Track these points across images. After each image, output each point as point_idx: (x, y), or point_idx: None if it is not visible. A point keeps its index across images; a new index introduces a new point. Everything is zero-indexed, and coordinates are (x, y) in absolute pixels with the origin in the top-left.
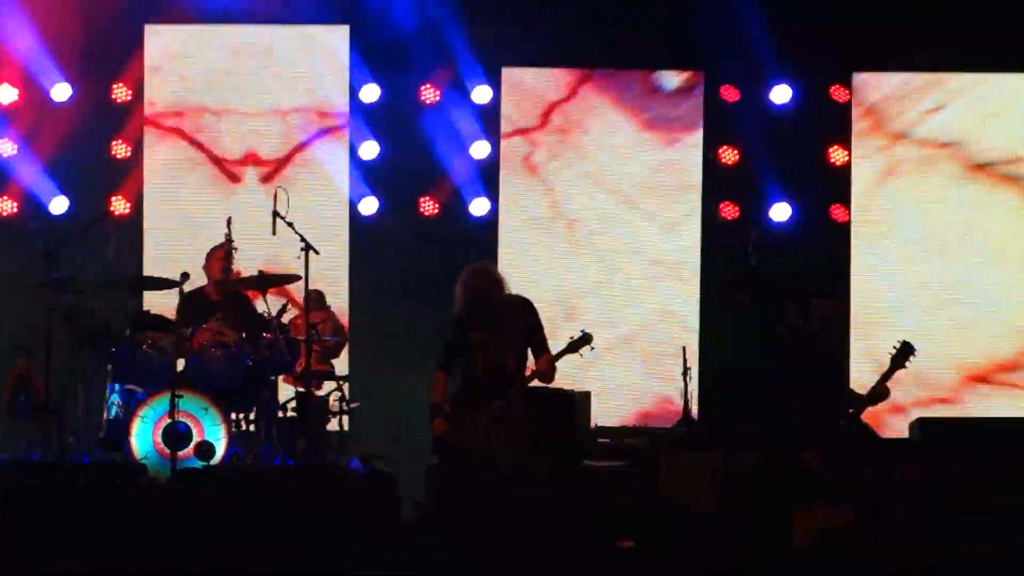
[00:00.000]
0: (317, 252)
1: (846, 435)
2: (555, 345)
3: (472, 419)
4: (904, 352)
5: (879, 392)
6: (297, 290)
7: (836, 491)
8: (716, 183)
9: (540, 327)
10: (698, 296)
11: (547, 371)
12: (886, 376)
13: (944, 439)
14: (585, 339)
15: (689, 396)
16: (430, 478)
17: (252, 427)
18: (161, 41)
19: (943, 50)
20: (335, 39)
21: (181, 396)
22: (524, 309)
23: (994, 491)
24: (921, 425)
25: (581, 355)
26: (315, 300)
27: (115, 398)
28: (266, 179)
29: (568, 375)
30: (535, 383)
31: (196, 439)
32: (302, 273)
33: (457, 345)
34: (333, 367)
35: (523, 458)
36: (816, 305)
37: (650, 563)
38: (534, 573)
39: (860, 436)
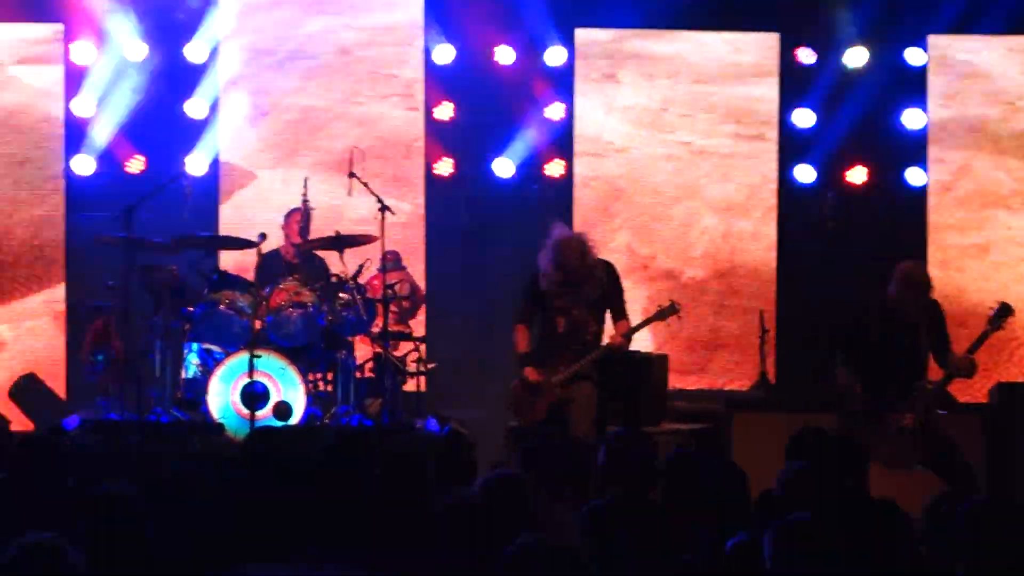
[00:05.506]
0: (393, 212)
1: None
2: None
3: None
4: (1002, 313)
5: (964, 365)
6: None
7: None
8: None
9: (619, 294)
10: (775, 260)
11: (621, 343)
12: (982, 337)
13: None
14: (673, 308)
15: (766, 359)
16: (508, 439)
17: (329, 387)
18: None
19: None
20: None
21: (259, 356)
22: (606, 274)
23: None
24: (1000, 390)
25: (668, 324)
26: (391, 261)
27: (193, 357)
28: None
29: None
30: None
31: (274, 399)
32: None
33: (536, 301)
34: (410, 328)
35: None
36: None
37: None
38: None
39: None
